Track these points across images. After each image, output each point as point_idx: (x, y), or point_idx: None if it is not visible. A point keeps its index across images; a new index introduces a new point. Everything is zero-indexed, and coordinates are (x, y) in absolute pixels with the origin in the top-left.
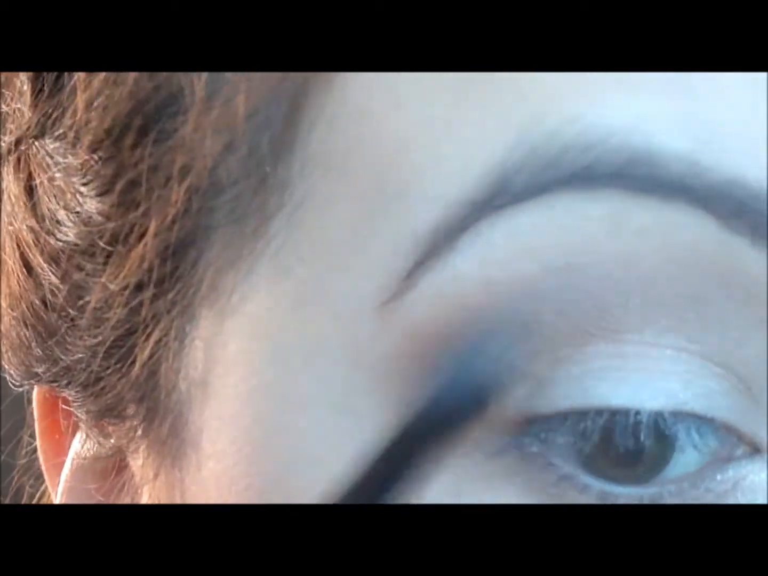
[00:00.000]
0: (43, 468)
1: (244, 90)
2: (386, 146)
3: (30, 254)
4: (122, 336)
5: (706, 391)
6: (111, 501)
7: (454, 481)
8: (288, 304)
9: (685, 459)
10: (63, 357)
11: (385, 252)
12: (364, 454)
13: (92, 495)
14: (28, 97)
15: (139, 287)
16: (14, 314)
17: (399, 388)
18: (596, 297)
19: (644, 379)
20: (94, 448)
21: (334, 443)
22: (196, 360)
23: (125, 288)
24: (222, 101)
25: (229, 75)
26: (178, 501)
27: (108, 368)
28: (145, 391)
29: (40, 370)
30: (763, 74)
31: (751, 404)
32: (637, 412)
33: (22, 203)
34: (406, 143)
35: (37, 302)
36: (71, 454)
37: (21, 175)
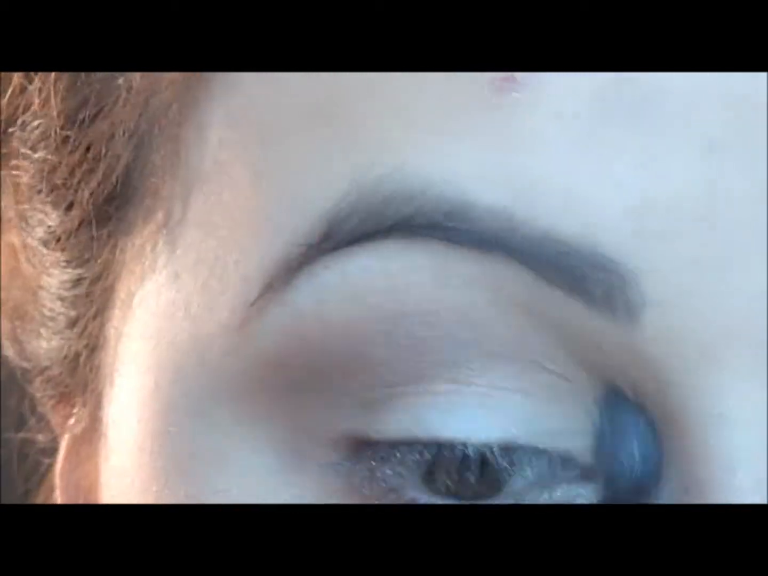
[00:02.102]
0: None
1: (128, 110)
2: (245, 175)
3: (17, 246)
4: (63, 328)
5: (536, 427)
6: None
7: (297, 495)
8: (165, 313)
9: (520, 482)
10: (32, 342)
11: (237, 279)
12: (223, 463)
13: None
14: None
15: (72, 284)
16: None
17: (251, 407)
18: (427, 341)
19: (474, 414)
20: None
21: (194, 451)
22: (109, 358)
23: (62, 282)
24: (108, 120)
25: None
26: (97, 489)
27: (53, 358)
28: (79, 383)
29: (21, 350)
30: (585, 124)
31: (580, 437)
32: (464, 445)
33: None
34: (261, 175)
35: (20, 289)
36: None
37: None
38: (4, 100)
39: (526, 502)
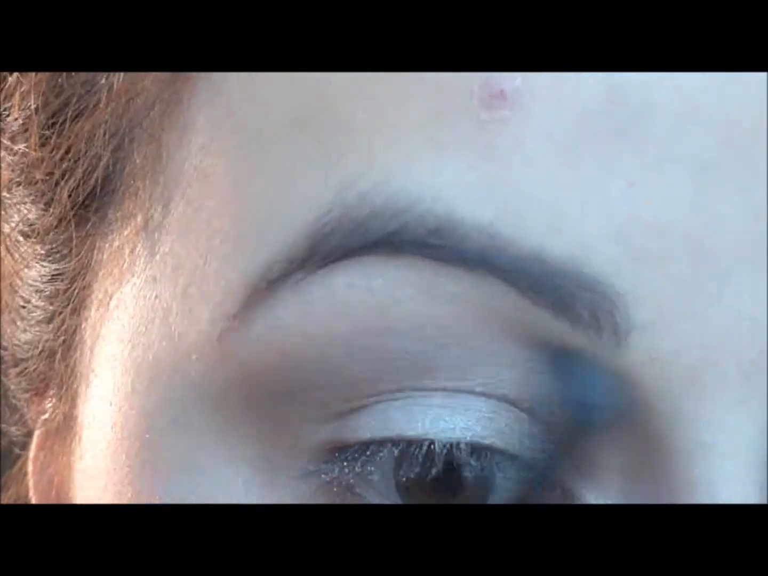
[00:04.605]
0: None
1: (110, 110)
2: (226, 184)
3: None
4: (38, 322)
5: (507, 430)
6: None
7: (267, 474)
8: (143, 318)
9: (503, 495)
10: (7, 329)
11: (217, 289)
12: (197, 472)
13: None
14: None
15: (49, 279)
16: None
17: (227, 417)
18: (409, 355)
19: (442, 413)
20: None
21: (171, 456)
22: (85, 357)
23: (40, 276)
24: (91, 119)
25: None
26: (70, 487)
27: (27, 350)
28: (55, 378)
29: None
30: (574, 143)
31: (560, 454)
32: (431, 443)
33: None
34: (244, 185)
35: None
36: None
37: None
38: None
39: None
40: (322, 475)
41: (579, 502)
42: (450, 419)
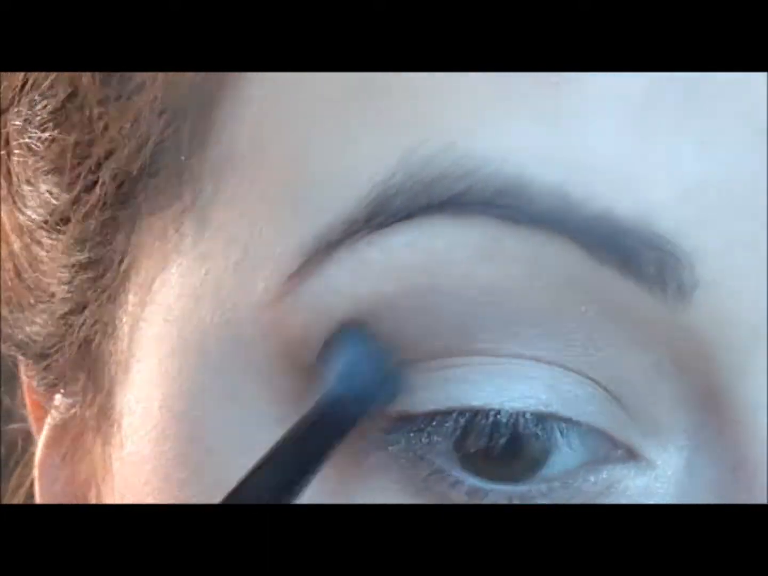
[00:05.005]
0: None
1: (160, 87)
2: (284, 153)
3: (8, 227)
4: (65, 314)
5: (570, 396)
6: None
7: (337, 475)
8: (192, 295)
9: (562, 460)
10: (26, 327)
11: (271, 256)
12: (252, 446)
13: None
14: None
15: (80, 268)
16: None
17: (281, 386)
18: (459, 317)
19: (505, 382)
20: (56, 421)
21: (225, 433)
22: (122, 344)
23: (68, 266)
24: (139, 97)
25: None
26: (105, 478)
27: (53, 344)
28: (84, 369)
29: (11, 336)
30: (640, 106)
31: (623, 414)
32: (498, 412)
33: (4, 179)
34: (302, 153)
35: (12, 274)
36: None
37: (3, 152)
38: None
39: (572, 486)
40: (389, 447)
41: (643, 462)
42: (514, 387)
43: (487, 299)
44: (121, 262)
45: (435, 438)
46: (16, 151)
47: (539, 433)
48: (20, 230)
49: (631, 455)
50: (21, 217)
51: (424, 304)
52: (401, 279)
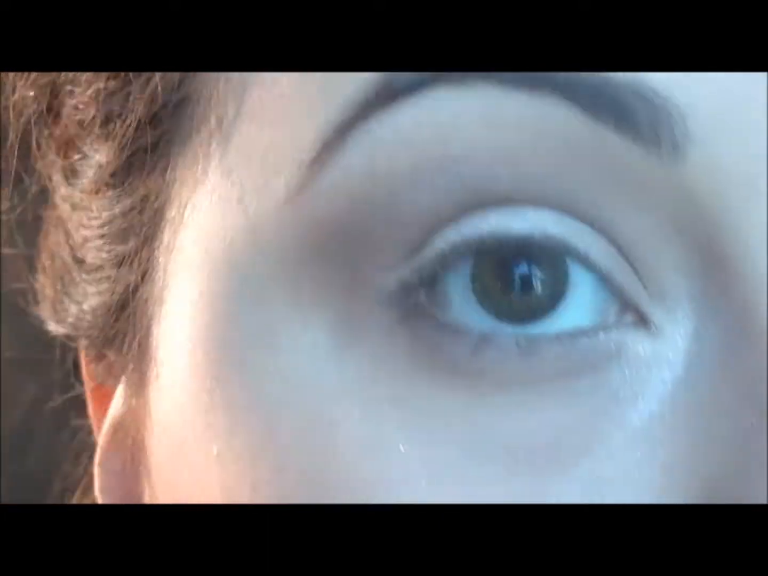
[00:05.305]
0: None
1: None
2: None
3: (61, 208)
4: (109, 273)
5: (581, 234)
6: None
7: (353, 366)
8: (219, 210)
9: (574, 313)
10: (79, 304)
11: (290, 153)
12: (276, 345)
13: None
14: None
15: (122, 218)
16: (50, 269)
17: (303, 280)
18: (472, 180)
19: (512, 210)
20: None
21: (245, 337)
22: (158, 278)
23: (112, 221)
24: None
25: None
26: (145, 418)
27: (105, 312)
28: (125, 317)
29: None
30: None
31: (632, 274)
32: (505, 235)
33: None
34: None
35: (66, 255)
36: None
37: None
38: None
39: (581, 341)
40: (403, 296)
41: (653, 327)
42: (521, 215)
43: (496, 161)
44: (156, 200)
45: (446, 281)
46: (74, 111)
47: (552, 268)
48: (72, 204)
49: (641, 321)
50: (70, 190)
51: (437, 171)
52: (414, 153)
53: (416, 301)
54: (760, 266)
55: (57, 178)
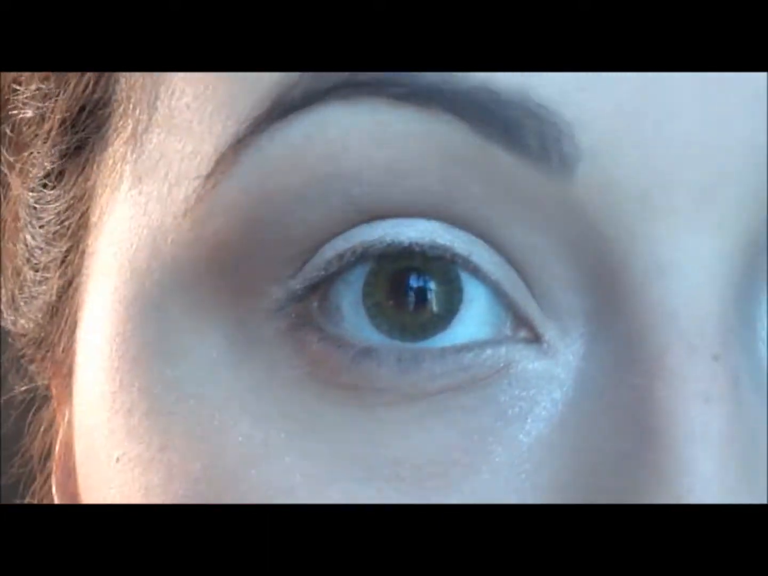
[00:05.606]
0: None
1: None
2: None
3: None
4: (47, 273)
5: (471, 245)
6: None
7: (247, 374)
8: (127, 216)
9: (466, 329)
10: (27, 300)
11: (192, 167)
12: (172, 353)
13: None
14: None
15: (56, 217)
16: (11, 267)
17: (199, 292)
18: (362, 198)
19: (401, 221)
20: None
21: (144, 344)
22: (82, 282)
23: (49, 221)
24: None
25: None
26: (72, 419)
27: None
28: (57, 320)
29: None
30: None
31: (525, 288)
32: (391, 243)
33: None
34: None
35: (21, 254)
36: None
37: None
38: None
39: (466, 357)
40: (294, 326)
41: (546, 345)
42: (410, 226)
43: (386, 180)
44: (82, 204)
45: (337, 290)
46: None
47: (445, 281)
48: (23, 203)
49: (534, 337)
50: (22, 188)
51: (326, 190)
52: (304, 170)
53: (307, 313)
54: (652, 286)
55: (11, 175)
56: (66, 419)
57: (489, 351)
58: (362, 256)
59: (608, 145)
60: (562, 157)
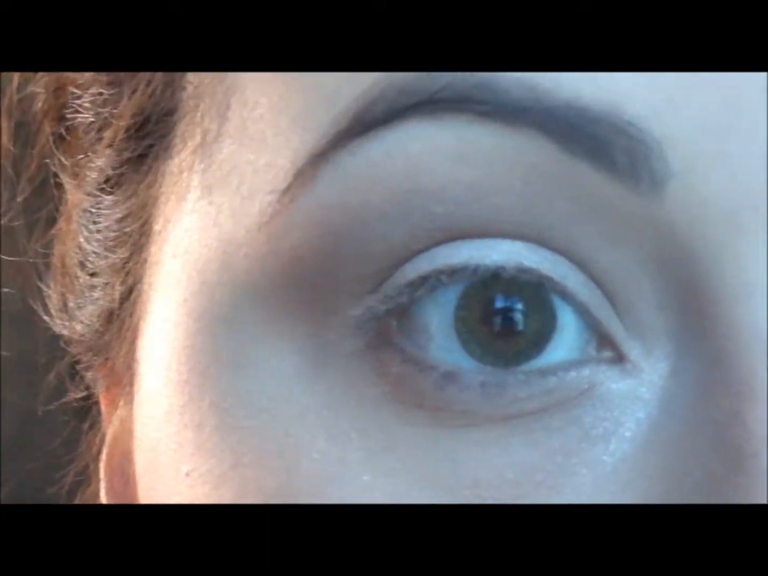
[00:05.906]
0: None
1: None
2: (278, 79)
3: (71, 210)
4: (106, 279)
5: (556, 266)
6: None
7: (324, 390)
8: (197, 227)
9: (562, 341)
10: (81, 305)
11: (266, 180)
12: (245, 367)
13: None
14: None
15: (119, 222)
16: (60, 271)
17: (274, 306)
18: (445, 218)
19: (485, 242)
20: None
21: (215, 358)
22: (143, 291)
23: (109, 226)
24: None
25: None
26: (133, 428)
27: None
28: (115, 328)
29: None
30: None
31: (610, 308)
32: (477, 267)
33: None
34: (293, 76)
35: (74, 259)
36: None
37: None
38: None
39: (550, 379)
40: (373, 347)
41: (630, 365)
42: (494, 248)
43: (469, 198)
44: (145, 212)
45: (427, 310)
46: (76, 115)
47: (537, 304)
48: (79, 207)
49: (618, 357)
50: (77, 191)
51: (408, 208)
52: (385, 187)
53: (386, 331)
54: (740, 305)
55: (65, 178)
56: (120, 425)
57: (573, 373)
58: (449, 278)
59: (697, 162)
60: (651, 174)
